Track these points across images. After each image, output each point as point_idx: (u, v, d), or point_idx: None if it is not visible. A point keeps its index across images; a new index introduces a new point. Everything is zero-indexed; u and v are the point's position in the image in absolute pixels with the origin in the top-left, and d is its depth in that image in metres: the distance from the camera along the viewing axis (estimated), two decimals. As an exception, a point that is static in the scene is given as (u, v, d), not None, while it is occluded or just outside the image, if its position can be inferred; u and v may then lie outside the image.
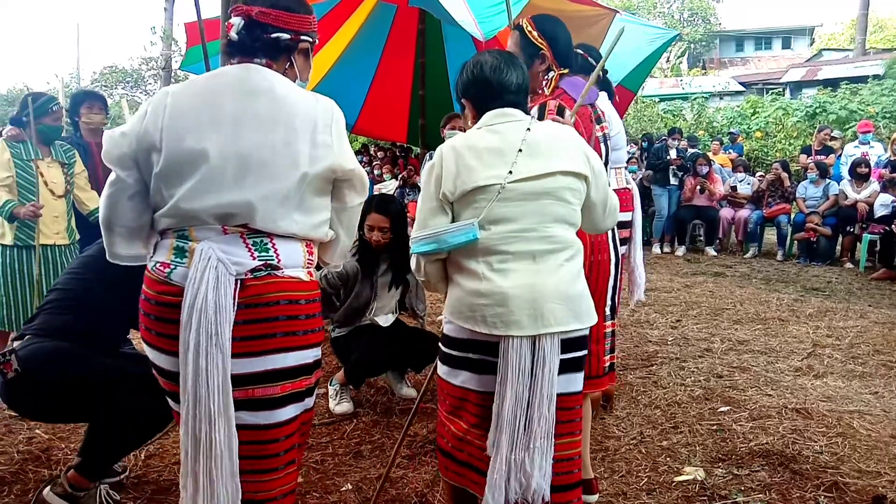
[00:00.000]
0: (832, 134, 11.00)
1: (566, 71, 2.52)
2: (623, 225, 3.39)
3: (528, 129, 1.93)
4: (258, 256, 1.69)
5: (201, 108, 1.69)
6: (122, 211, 1.78)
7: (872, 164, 8.73)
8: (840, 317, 5.69)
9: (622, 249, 3.41)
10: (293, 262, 1.75)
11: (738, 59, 34.87)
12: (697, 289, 6.94)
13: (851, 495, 2.71)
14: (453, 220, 1.92)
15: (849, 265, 8.18)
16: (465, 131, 2.05)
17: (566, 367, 1.92)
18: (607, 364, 2.74)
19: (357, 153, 13.82)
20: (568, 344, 1.91)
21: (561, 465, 1.93)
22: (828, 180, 8.79)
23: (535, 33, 2.48)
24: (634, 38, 5.24)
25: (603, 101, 3.29)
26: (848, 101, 16.65)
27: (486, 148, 1.90)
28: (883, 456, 3.03)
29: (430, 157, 2.18)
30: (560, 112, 2.40)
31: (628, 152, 11.91)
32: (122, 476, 2.73)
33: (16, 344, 2.48)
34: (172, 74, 22.28)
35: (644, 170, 10.02)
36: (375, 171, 11.46)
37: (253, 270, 1.67)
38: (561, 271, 1.90)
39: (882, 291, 6.80)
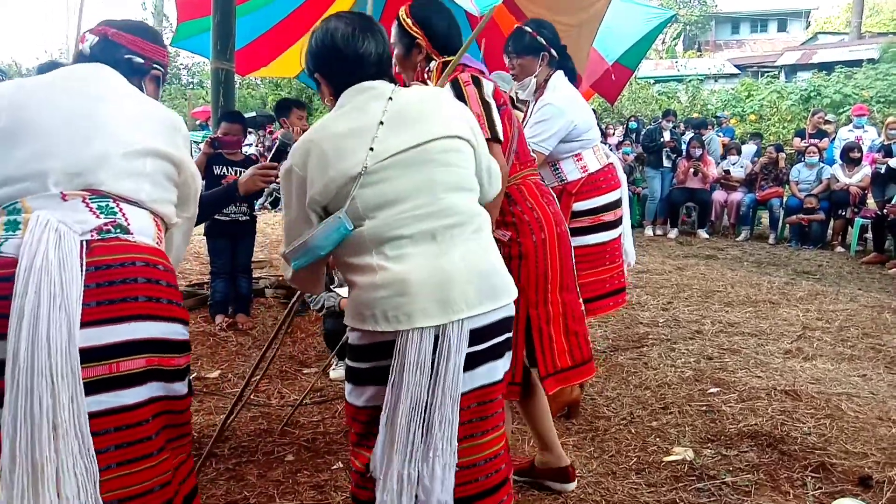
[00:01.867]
0: (826, 118, 11.01)
1: (451, 59, 2.29)
2: (615, 205, 3.34)
3: (390, 98, 1.67)
4: (103, 216, 1.53)
5: (44, 86, 1.66)
6: None
7: (865, 148, 8.75)
8: (830, 300, 5.73)
9: (615, 233, 3.38)
10: (143, 229, 1.60)
11: (734, 42, 34.78)
12: (689, 271, 6.96)
13: (838, 475, 2.73)
14: None
15: (840, 249, 8.22)
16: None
17: (487, 357, 1.68)
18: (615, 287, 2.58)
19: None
20: (488, 329, 1.67)
21: (487, 465, 1.72)
22: (821, 164, 8.81)
23: (409, 21, 2.30)
24: (631, 17, 5.21)
25: (561, 79, 3.18)
26: (843, 85, 16.67)
27: (345, 131, 1.63)
28: (870, 437, 3.06)
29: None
30: (476, 82, 2.22)
31: (623, 134, 11.91)
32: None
33: None
34: (164, 50, 22.02)
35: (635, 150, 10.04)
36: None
37: (99, 230, 1.51)
38: (468, 245, 1.65)
39: (872, 275, 6.84)
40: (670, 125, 9.78)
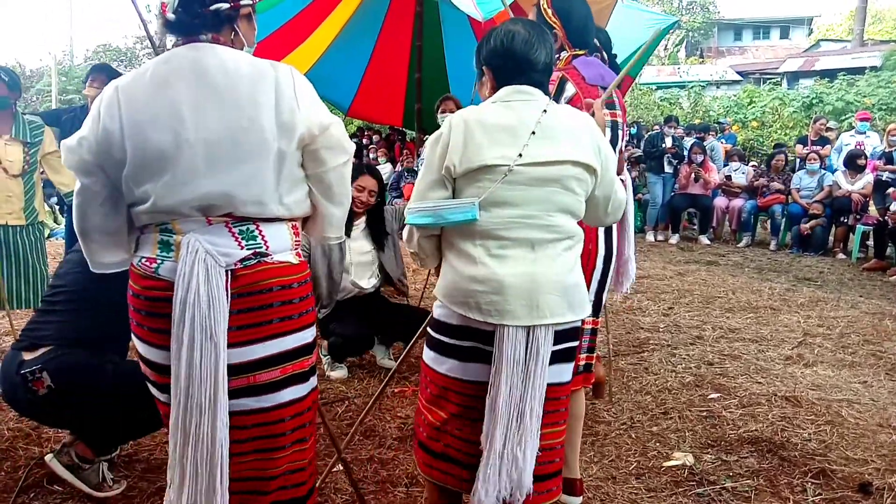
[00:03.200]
0: (828, 125, 11.03)
1: (582, 52, 2.39)
2: None
3: (545, 111, 1.81)
4: (246, 245, 1.65)
5: (157, 99, 1.61)
6: (95, 218, 1.73)
7: (867, 154, 8.76)
8: (831, 307, 5.73)
9: None
10: (281, 246, 1.71)
11: (736, 49, 34.79)
12: (690, 277, 6.96)
13: (838, 482, 2.73)
14: (454, 196, 1.82)
15: (841, 256, 8.22)
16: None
17: (557, 358, 1.85)
18: (582, 364, 2.50)
19: (352, 136, 13.77)
20: (560, 335, 1.84)
21: (544, 454, 1.88)
22: (822, 171, 8.81)
23: (549, 11, 2.38)
24: (634, 24, 5.22)
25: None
26: (845, 93, 16.69)
27: (498, 125, 1.79)
28: (870, 444, 3.06)
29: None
30: (561, 85, 2.29)
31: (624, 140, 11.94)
32: (114, 454, 2.73)
33: (30, 356, 2.38)
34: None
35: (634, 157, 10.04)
36: (371, 155, 11.43)
37: (242, 260, 1.64)
38: (558, 261, 1.82)
39: (873, 282, 6.84)
40: (672, 131, 9.79)
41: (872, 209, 8.22)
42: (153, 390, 1.78)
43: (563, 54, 2.43)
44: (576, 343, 1.94)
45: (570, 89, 2.32)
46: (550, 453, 1.92)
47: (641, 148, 10.19)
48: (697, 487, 2.70)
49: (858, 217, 8.20)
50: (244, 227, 1.66)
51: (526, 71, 1.84)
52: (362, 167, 4.00)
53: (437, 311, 1.93)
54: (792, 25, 34.60)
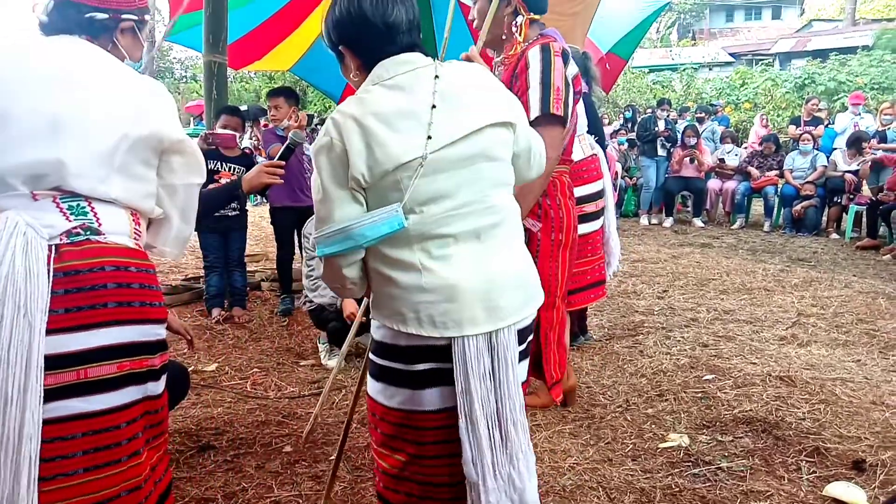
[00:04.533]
0: (818, 105, 11.03)
1: (538, 17, 2.33)
2: (596, 196, 3.33)
3: (437, 76, 1.52)
4: (74, 219, 1.50)
5: (9, 69, 1.55)
6: None
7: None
8: (825, 287, 5.75)
9: (596, 224, 3.36)
10: (117, 228, 1.56)
11: (728, 30, 34.72)
12: (684, 259, 6.97)
13: (832, 460, 2.76)
14: (368, 208, 1.51)
15: (835, 236, 8.25)
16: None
17: (522, 357, 1.67)
18: None
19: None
20: (524, 331, 1.65)
21: None
22: (815, 151, 8.82)
23: None
24: (625, 6, 5.20)
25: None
26: (837, 72, 16.70)
27: (393, 111, 1.47)
28: (864, 422, 3.09)
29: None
30: (566, 58, 2.22)
31: (619, 124, 11.91)
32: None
33: None
34: (157, 45, 21.90)
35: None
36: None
37: (68, 234, 1.48)
38: (510, 248, 1.62)
39: (867, 262, 6.87)
40: (665, 114, 9.78)
41: (865, 189, 8.24)
42: None
43: (520, 19, 2.37)
44: (531, 336, 1.74)
45: (573, 65, 2.28)
46: None
47: (635, 131, 10.20)
48: (693, 468, 2.71)
49: (851, 197, 8.22)
50: (74, 203, 1.52)
51: (390, 37, 1.54)
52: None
53: (380, 333, 1.61)
54: (783, 5, 34.53)
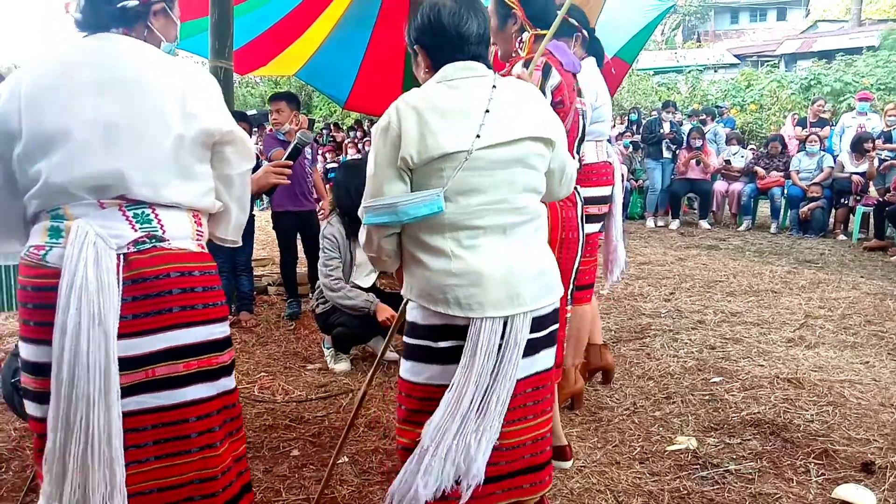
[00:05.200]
0: (825, 107, 11.00)
1: (544, 32, 2.36)
2: (602, 200, 3.34)
3: (494, 86, 1.71)
4: (140, 228, 1.57)
5: (59, 82, 1.58)
6: None
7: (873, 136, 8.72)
8: (832, 288, 5.73)
9: (596, 227, 3.38)
10: (180, 233, 1.63)
11: (733, 32, 34.67)
12: (691, 262, 6.96)
13: (841, 462, 2.75)
14: (412, 189, 1.70)
15: (842, 237, 8.22)
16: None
17: (541, 345, 1.80)
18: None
19: (350, 129, 13.77)
20: (541, 320, 1.78)
21: (536, 444, 1.84)
22: (822, 153, 8.80)
23: None
24: (630, 9, 5.20)
25: (591, 67, 3.21)
26: (843, 73, 16.64)
27: (451, 108, 1.67)
28: (872, 423, 3.07)
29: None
30: (546, 71, 2.30)
31: (623, 126, 11.91)
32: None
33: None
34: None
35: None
36: (367, 148, 11.41)
37: (135, 243, 1.55)
38: (532, 244, 1.78)
39: (874, 263, 6.84)
40: (671, 116, 9.75)
41: (872, 190, 8.21)
42: (31, 406, 1.62)
43: (525, 35, 2.43)
44: (557, 326, 1.88)
45: (555, 76, 2.33)
46: (542, 443, 1.87)
47: (640, 134, 10.19)
48: (701, 470, 2.71)
49: (858, 198, 8.19)
50: (139, 211, 1.58)
51: (460, 45, 1.73)
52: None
53: (413, 314, 1.80)
54: (789, 7, 34.46)
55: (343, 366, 3.95)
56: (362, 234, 1.81)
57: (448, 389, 1.67)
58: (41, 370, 1.55)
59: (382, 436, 3.05)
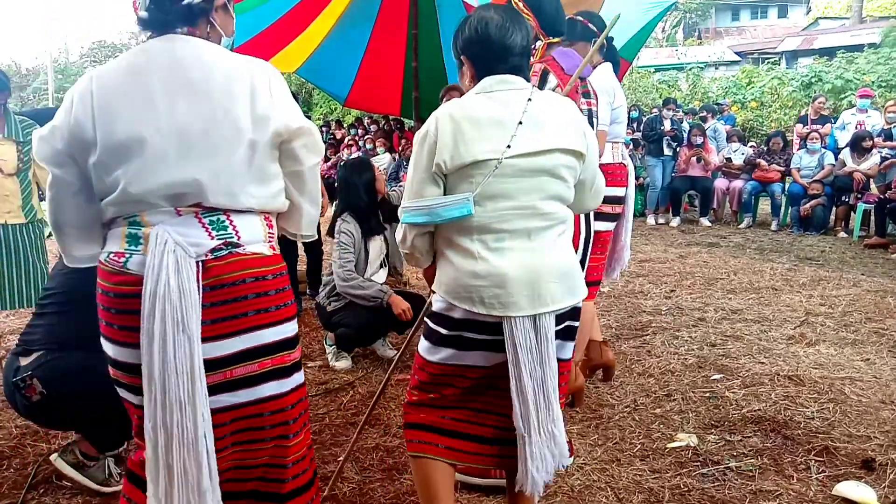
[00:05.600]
0: (826, 104, 10.99)
1: (557, 40, 2.47)
2: (615, 200, 3.37)
3: (530, 99, 1.82)
4: (216, 235, 1.62)
5: (130, 88, 1.60)
6: (68, 210, 1.70)
7: (872, 134, 8.71)
8: (833, 285, 5.73)
9: (611, 225, 3.41)
10: (253, 237, 1.68)
11: (734, 29, 34.61)
12: (691, 259, 6.96)
13: (841, 459, 2.75)
14: (446, 193, 1.83)
15: (843, 234, 8.21)
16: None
17: (560, 336, 1.90)
18: None
19: (350, 126, 13.75)
20: (562, 315, 1.88)
21: None
22: (823, 150, 8.79)
23: (520, 4, 2.44)
24: (630, 8, 5.18)
25: (607, 73, 3.26)
26: (844, 70, 16.61)
27: (486, 118, 1.79)
28: (873, 420, 3.08)
29: None
30: (544, 76, 2.36)
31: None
32: (120, 449, 2.75)
33: (24, 361, 2.39)
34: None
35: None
36: (368, 145, 11.41)
37: (213, 251, 1.61)
38: (556, 248, 1.86)
39: (875, 260, 6.84)
40: (671, 114, 9.74)
41: (873, 187, 8.20)
42: (125, 394, 1.71)
43: (539, 43, 2.48)
44: (577, 323, 1.97)
45: (552, 80, 2.39)
46: None
47: (640, 132, 10.17)
48: (702, 468, 2.71)
49: (859, 196, 8.18)
50: (214, 218, 1.63)
51: (504, 57, 1.84)
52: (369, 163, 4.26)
53: (437, 305, 1.93)
54: (790, 4, 34.38)
55: (344, 363, 3.96)
56: (399, 232, 1.94)
57: (511, 383, 1.81)
58: (131, 369, 1.63)
59: (383, 433, 3.05)
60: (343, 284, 3.84)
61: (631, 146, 10.25)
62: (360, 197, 3.91)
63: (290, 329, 1.73)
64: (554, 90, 2.40)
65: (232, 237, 1.63)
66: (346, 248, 3.87)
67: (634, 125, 11.06)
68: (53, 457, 2.60)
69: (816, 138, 8.81)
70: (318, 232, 5.15)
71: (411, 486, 2.57)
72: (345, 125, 14.62)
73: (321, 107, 20.93)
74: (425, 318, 1.99)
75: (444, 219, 1.79)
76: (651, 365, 3.85)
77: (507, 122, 1.78)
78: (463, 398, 1.97)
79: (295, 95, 5.14)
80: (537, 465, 1.84)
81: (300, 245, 5.17)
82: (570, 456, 2.65)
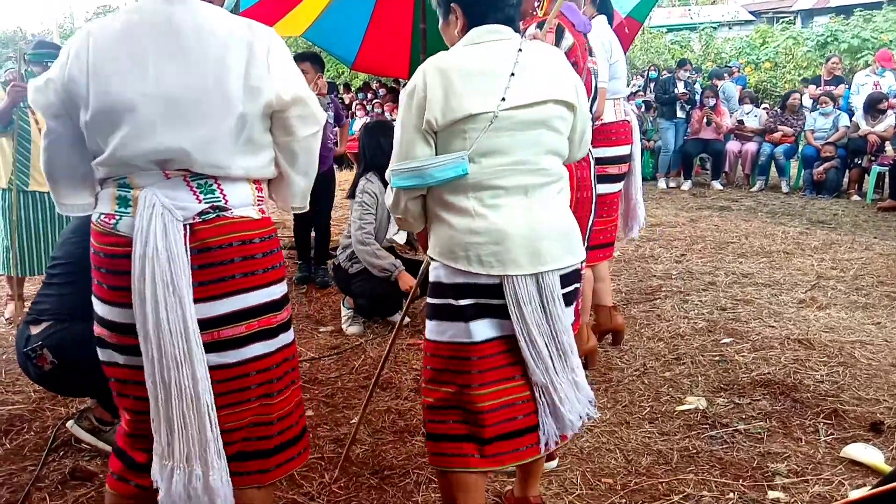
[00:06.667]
0: (839, 65, 10.77)
1: None
2: (620, 160, 3.33)
3: (520, 49, 1.72)
4: (204, 199, 1.62)
5: (123, 50, 1.57)
6: (61, 161, 1.71)
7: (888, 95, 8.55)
8: (845, 249, 5.70)
9: (618, 186, 3.38)
10: (242, 201, 1.67)
11: (749, -13, 33.78)
12: (703, 223, 6.92)
13: (850, 422, 2.76)
14: (437, 151, 1.74)
15: (856, 197, 8.13)
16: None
17: (566, 300, 1.85)
18: None
19: (358, 91, 13.65)
20: (563, 279, 1.82)
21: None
22: (837, 111, 8.64)
23: None
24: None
25: (603, 25, 3.18)
26: (861, 29, 16.21)
27: (476, 70, 1.69)
28: (882, 384, 3.08)
29: None
30: (559, 33, 2.29)
31: (636, 85, 11.74)
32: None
33: (35, 330, 2.42)
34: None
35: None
36: (377, 109, 11.33)
37: (200, 214, 1.61)
38: (553, 206, 1.80)
39: (888, 223, 6.78)
40: (687, 75, 9.52)
41: (889, 149, 8.08)
42: (110, 354, 1.70)
43: None
44: (578, 285, 1.93)
45: (568, 38, 2.32)
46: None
47: (654, 93, 10.03)
48: (710, 430, 2.74)
49: (873, 158, 8.07)
50: (203, 181, 1.63)
51: (500, 6, 1.75)
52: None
53: (434, 273, 1.85)
54: (807, -40, 33.49)
55: (355, 328, 3.99)
56: (389, 196, 1.85)
57: (520, 342, 1.77)
58: (120, 328, 1.65)
59: (395, 396, 3.09)
60: (360, 248, 3.84)
61: (643, 108, 10.13)
62: (384, 156, 3.86)
63: (277, 291, 1.73)
64: (570, 49, 2.34)
65: (220, 200, 1.64)
66: (367, 209, 3.86)
67: (652, 85, 10.86)
68: (70, 423, 2.65)
69: (827, 102, 8.64)
70: (328, 212, 5.12)
71: (422, 448, 2.61)
72: (353, 88, 14.50)
73: (329, 70, 20.70)
74: (427, 298, 1.88)
75: (438, 180, 1.72)
76: (661, 329, 3.86)
77: (499, 73, 1.69)
78: (483, 386, 1.82)
79: (320, 58, 5.08)
80: (568, 407, 1.82)
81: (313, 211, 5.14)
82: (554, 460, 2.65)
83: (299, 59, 4.92)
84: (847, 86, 9.66)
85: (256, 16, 5.93)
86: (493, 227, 1.72)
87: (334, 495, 2.37)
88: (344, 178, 8.68)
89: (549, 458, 2.48)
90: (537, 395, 1.84)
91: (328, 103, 4.71)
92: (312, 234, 5.29)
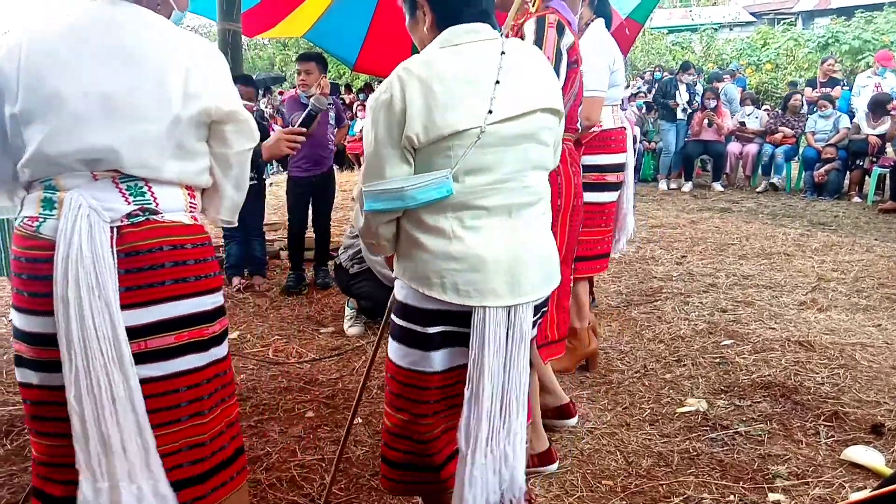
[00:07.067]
0: (835, 66, 10.77)
1: None
2: (618, 168, 3.31)
3: (503, 52, 1.54)
4: (133, 201, 1.56)
5: (62, 47, 1.53)
6: None
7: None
8: (846, 251, 5.69)
9: (613, 196, 3.36)
10: (173, 205, 1.61)
11: (750, -12, 33.79)
12: (703, 224, 6.92)
13: (851, 424, 2.76)
14: (415, 170, 1.55)
15: (857, 199, 8.13)
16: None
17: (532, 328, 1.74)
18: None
19: (360, 91, 13.65)
20: (536, 308, 1.70)
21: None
22: (837, 113, 8.64)
23: None
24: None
25: (600, 29, 3.13)
26: (862, 31, 16.23)
27: (459, 78, 1.50)
28: (883, 386, 3.08)
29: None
30: (560, 29, 2.24)
31: (636, 87, 11.74)
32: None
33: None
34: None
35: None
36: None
37: (129, 216, 1.54)
38: (537, 229, 1.66)
39: (889, 225, 6.78)
40: (690, 78, 9.44)
41: (890, 151, 8.08)
42: (24, 374, 1.61)
43: None
44: (545, 309, 1.83)
45: (569, 35, 2.28)
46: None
47: (653, 96, 10.03)
48: (711, 432, 2.74)
49: (874, 160, 8.07)
50: (132, 184, 1.57)
51: (473, 2, 1.57)
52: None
53: (402, 293, 1.67)
54: (808, -38, 33.50)
55: (356, 329, 3.99)
56: (359, 220, 1.68)
57: (466, 387, 1.59)
58: (40, 339, 1.54)
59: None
60: (370, 258, 3.80)
61: (644, 109, 10.13)
62: None
63: (209, 301, 1.65)
64: (571, 46, 2.31)
65: (150, 203, 1.58)
66: None
67: (656, 86, 10.84)
68: None
69: (826, 105, 8.64)
70: (328, 213, 5.06)
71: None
72: (354, 90, 14.51)
73: (330, 71, 20.75)
74: (392, 316, 1.73)
75: (420, 202, 1.52)
76: (661, 331, 3.87)
77: (482, 80, 1.51)
78: (437, 414, 1.72)
79: (324, 59, 5.01)
80: (475, 492, 1.60)
81: (310, 220, 5.09)
82: (574, 416, 2.63)
83: (304, 58, 4.88)
84: (844, 87, 9.67)
85: (257, 17, 5.94)
86: (471, 253, 1.55)
87: (334, 496, 2.37)
88: (344, 178, 8.69)
89: (550, 461, 2.49)
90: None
91: (330, 104, 4.68)
92: (311, 234, 5.28)
